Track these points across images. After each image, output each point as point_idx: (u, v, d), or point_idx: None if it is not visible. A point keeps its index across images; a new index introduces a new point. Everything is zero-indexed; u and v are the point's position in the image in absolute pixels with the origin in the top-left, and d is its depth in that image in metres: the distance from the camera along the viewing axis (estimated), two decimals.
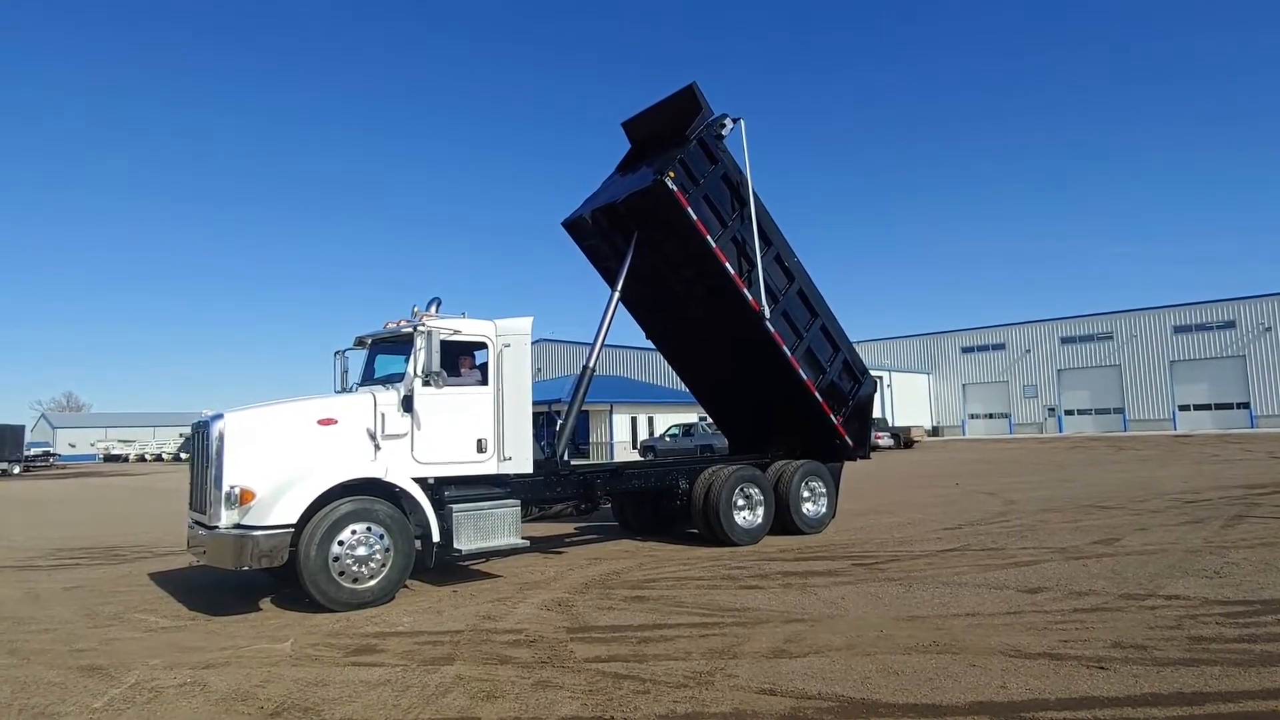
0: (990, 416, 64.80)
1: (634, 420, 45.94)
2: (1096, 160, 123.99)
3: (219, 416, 7.60)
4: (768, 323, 11.31)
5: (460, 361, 8.98)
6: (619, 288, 11.16)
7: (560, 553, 10.57)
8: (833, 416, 12.10)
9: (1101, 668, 4.96)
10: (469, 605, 7.48)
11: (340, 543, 7.39)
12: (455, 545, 8.20)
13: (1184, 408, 56.11)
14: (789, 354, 11.56)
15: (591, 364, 10.86)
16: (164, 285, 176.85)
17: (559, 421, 10.51)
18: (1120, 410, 58.30)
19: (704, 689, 4.82)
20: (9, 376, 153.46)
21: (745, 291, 11.15)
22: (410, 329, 8.43)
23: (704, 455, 11.53)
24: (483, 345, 8.94)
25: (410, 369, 8.33)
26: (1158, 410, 56.69)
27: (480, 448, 8.68)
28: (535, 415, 9.23)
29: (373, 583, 7.51)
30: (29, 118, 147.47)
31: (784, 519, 11.21)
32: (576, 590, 7.98)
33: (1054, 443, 45.51)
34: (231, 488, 7.31)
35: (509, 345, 8.91)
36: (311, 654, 5.95)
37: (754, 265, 11.37)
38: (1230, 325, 54.68)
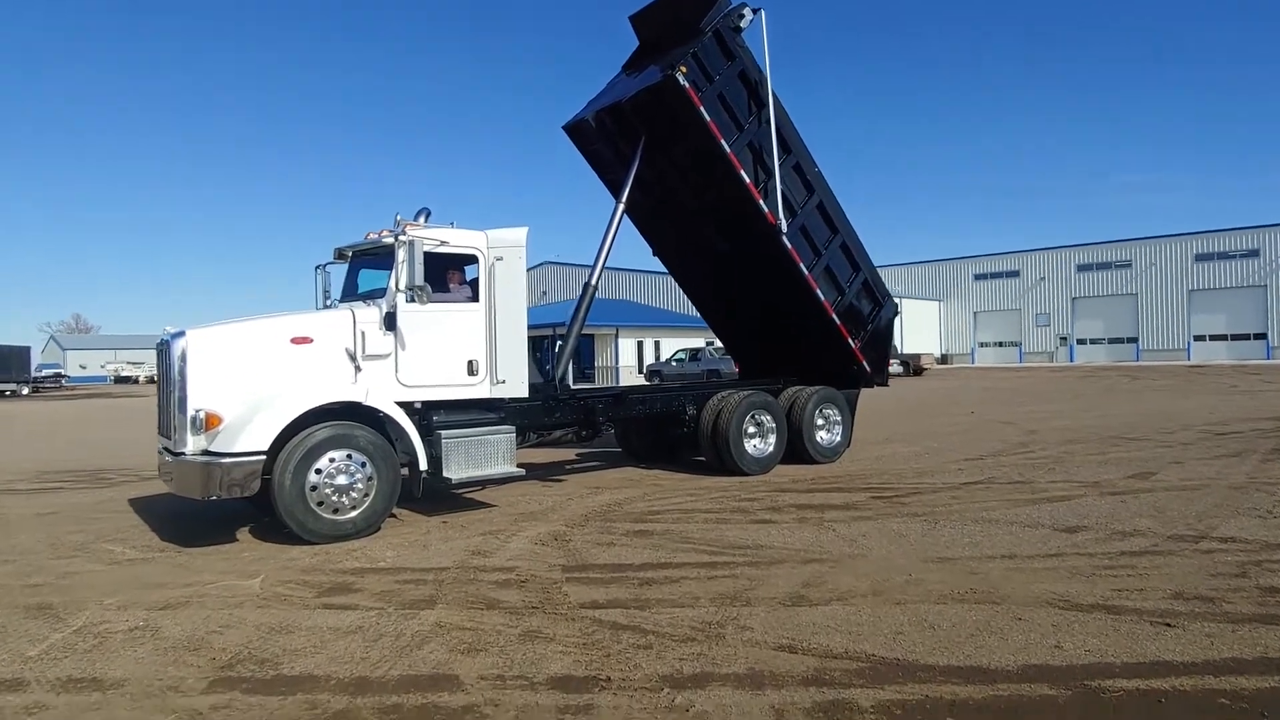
0: (1000, 345, 63.99)
1: (640, 344, 45.32)
2: (1121, 79, 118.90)
3: (180, 334, 6.90)
4: (784, 238, 10.44)
5: (448, 276, 8.22)
6: (624, 198, 10.27)
7: (560, 481, 10.03)
8: (850, 341, 11.36)
9: (1168, 624, 4.35)
10: (458, 539, 6.93)
11: (318, 471, 6.79)
12: (444, 473, 7.61)
13: (1199, 338, 55.14)
14: (806, 273, 10.73)
15: (594, 281, 10.07)
16: (170, 201, 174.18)
17: (559, 343, 9.81)
18: (1134, 340, 57.37)
19: (714, 644, 4.24)
20: (15, 298, 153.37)
21: (761, 203, 10.24)
22: (391, 239, 7.63)
23: (713, 380, 10.86)
24: (473, 258, 8.14)
25: (392, 283, 7.57)
26: (1172, 340, 55.75)
27: (471, 370, 8.00)
28: (538, 339, 8.55)
29: (354, 514, 6.95)
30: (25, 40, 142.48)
31: (797, 447, 10.62)
32: (575, 523, 7.43)
33: (1066, 372, 44.86)
34: (196, 411, 6.67)
35: (501, 258, 8.11)
36: (281, 593, 5.41)
37: (771, 174, 10.42)
38: (1254, 254, 53.14)
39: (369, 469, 7.03)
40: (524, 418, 8.76)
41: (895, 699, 3.54)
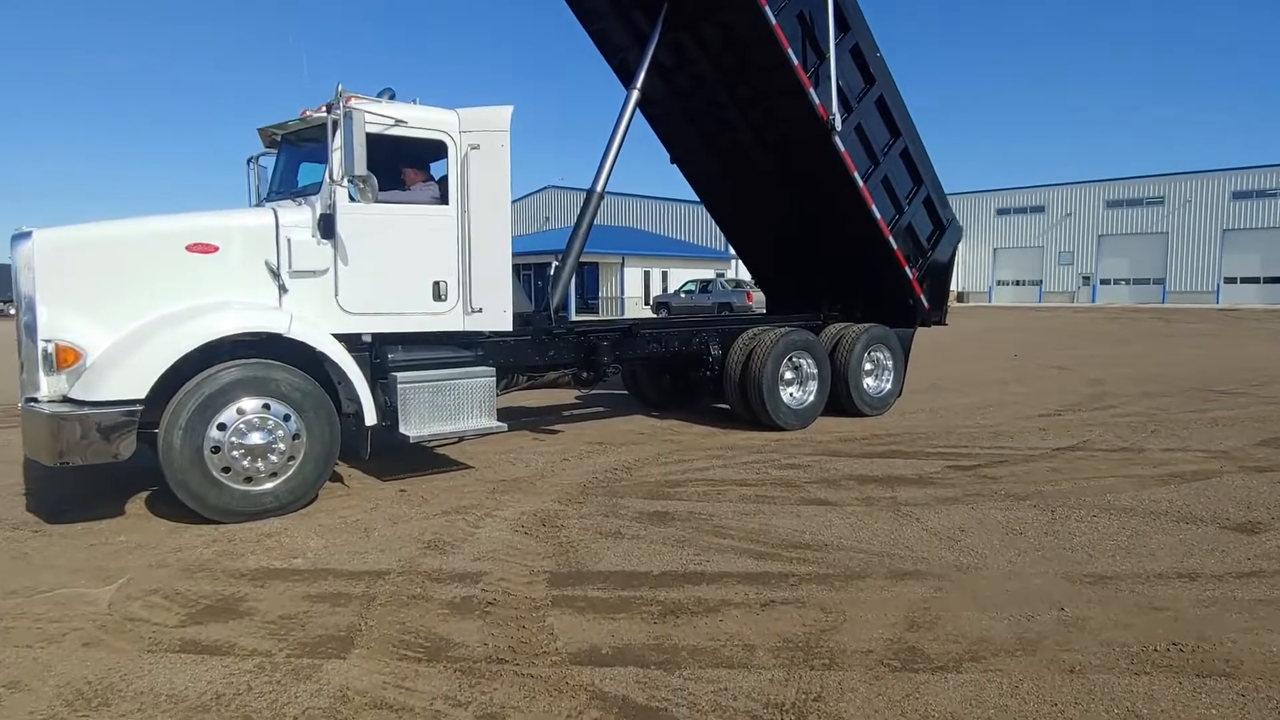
0: (1019, 284, 61.55)
1: (647, 274, 43.13)
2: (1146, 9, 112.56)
3: (26, 235, 5.00)
4: (837, 138, 8.38)
5: (408, 173, 6.27)
6: (638, 84, 8.15)
7: (555, 431, 8.27)
8: (908, 270, 9.41)
9: None
10: (413, 519, 5.18)
11: (221, 426, 4.99)
12: (401, 429, 5.83)
13: (1230, 280, 52.73)
14: (861, 184, 8.71)
15: (599, 188, 8.05)
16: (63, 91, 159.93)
17: (554, 264, 7.90)
18: (1160, 281, 54.97)
19: None
20: None
21: (811, 93, 8.15)
22: (327, 116, 5.63)
23: (742, 314, 9.07)
24: (440, 147, 6.15)
25: (328, 174, 5.62)
26: (1202, 282, 53.34)
27: (438, 294, 6.12)
28: (539, 267, 6.61)
29: (274, 483, 5.19)
30: None
31: (839, 396, 8.81)
32: (571, 496, 5.68)
33: (1090, 312, 42.76)
34: (46, 343, 4.83)
35: (478, 146, 6.12)
36: (134, 615, 3.68)
37: (824, 57, 8.30)
38: None
39: (294, 423, 5.24)
40: (508, 356, 6.92)
41: None
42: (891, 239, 9.13)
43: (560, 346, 7.42)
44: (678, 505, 5.45)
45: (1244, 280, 52.18)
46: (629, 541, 4.69)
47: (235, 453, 5.03)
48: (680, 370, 9.24)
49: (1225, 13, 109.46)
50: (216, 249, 5.36)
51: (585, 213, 7.99)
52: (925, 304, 9.75)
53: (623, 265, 41.95)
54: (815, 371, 8.53)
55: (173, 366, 4.85)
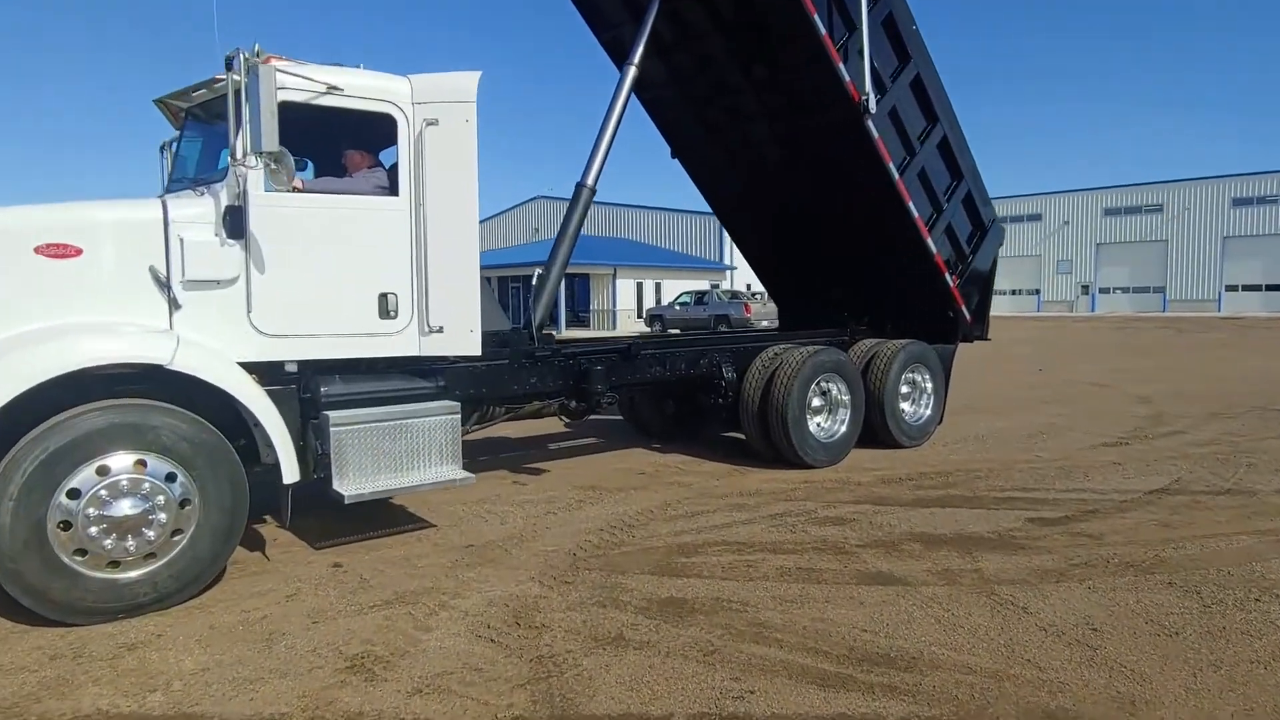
0: (1016, 293, 60.57)
1: (639, 286, 41.81)
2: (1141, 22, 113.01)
3: None
4: (870, 122, 7.13)
5: (350, 157, 4.98)
6: (635, 60, 6.84)
7: (538, 471, 6.92)
8: (947, 276, 8.14)
9: None
10: (341, 615, 3.82)
11: (74, 494, 3.63)
12: (335, 485, 4.48)
13: (1231, 288, 51.90)
14: (896, 176, 7.46)
15: (590, 181, 6.73)
16: None
17: (538, 273, 6.59)
18: (1161, 289, 54.13)
19: None
20: None
21: (841, 68, 6.89)
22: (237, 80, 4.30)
23: (758, 331, 7.80)
24: (389, 123, 4.83)
25: (230, 154, 4.29)
26: (1203, 290, 52.51)
27: (386, 309, 4.79)
28: (523, 279, 5.27)
29: (152, 567, 3.81)
30: None
31: (872, 425, 7.50)
32: (556, 573, 4.34)
33: (1092, 322, 41.80)
34: None
35: (435, 122, 4.81)
36: None
37: (854, 28, 7.06)
38: None
39: (182, 486, 3.88)
40: (478, 386, 5.58)
41: None
42: (930, 241, 7.88)
43: (544, 372, 6.08)
44: (697, 587, 4.11)
45: (1245, 288, 51.39)
46: (635, 654, 3.34)
47: (94, 529, 3.66)
48: (686, 395, 7.92)
49: (1223, 19, 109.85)
50: (79, 252, 4.01)
51: (573, 212, 6.67)
52: (967, 316, 8.47)
53: (615, 276, 40.67)
54: (847, 398, 7.21)
55: (1, 412, 3.50)
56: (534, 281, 6.45)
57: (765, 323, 30.18)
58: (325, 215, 4.63)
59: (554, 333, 6.45)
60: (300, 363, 4.64)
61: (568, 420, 6.73)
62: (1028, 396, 11.73)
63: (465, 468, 4.92)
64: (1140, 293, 55.09)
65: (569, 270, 7.60)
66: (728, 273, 44.37)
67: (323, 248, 4.63)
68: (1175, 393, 11.90)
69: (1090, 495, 5.89)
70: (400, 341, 4.87)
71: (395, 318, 4.83)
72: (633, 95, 7.12)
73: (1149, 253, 54.70)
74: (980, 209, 8.59)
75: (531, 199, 57.72)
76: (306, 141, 4.90)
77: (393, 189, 4.86)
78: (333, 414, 4.52)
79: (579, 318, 41.35)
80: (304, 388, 4.65)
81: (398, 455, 4.66)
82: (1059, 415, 9.87)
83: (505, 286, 36.78)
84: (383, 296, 4.78)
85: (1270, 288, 50.62)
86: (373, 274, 4.77)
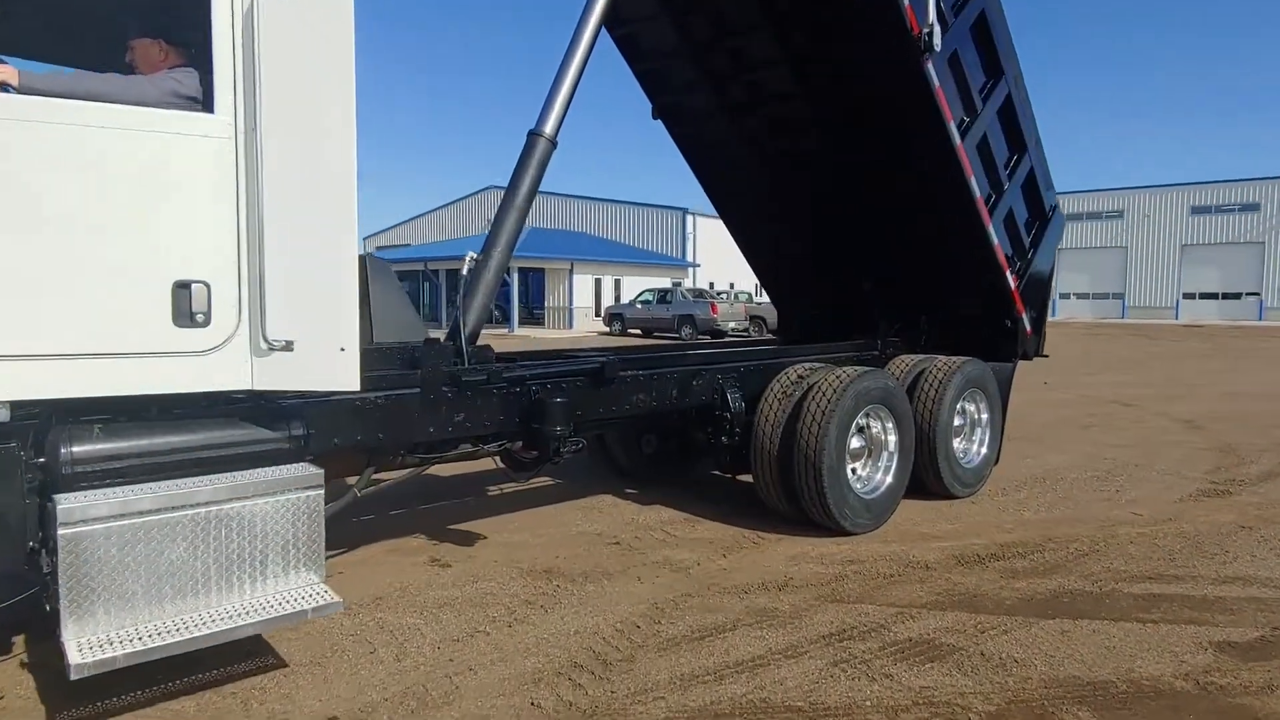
0: None
1: (598, 282, 39.71)
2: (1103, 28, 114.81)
3: None
4: (930, 65, 5.28)
5: (139, 50, 2.93)
6: None
7: (469, 539, 4.91)
8: (1008, 275, 6.36)
9: None
10: None
11: None
12: (64, 636, 2.41)
13: (1189, 295, 52.17)
14: (957, 140, 5.63)
15: (548, 130, 4.70)
16: None
17: (471, 256, 4.53)
18: (1120, 296, 54.20)
19: None
20: None
21: None
22: None
23: (774, 345, 6.04)
24: None
25: None
26: (1161, 297, 52.71)
27: (187, 310, 2.74)
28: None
29: None
30: None
31: (918, 468, 5.64)
32: None
33: (1060, 328, 41.09)
34: None
35: None
36: None
37: None
38: (1253, 208, 49.91)
39: None
40: (366, 431, 3.53)
41: None
42: (990, 227, 6.08)
43: (476, 405, 4.04)
44: None
45: (1203, 295, 51.67)
46: None
47: None
48: (675, 428, 5.97)
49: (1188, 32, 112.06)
50: None
51: (524, 170, 4.65)
52: (1027, 327, 6.71)
53: (571, 271, 38.49)
54: (894, 438, 5.34)
55: None
56: (465, 271, 4.40)
57: (733, 324, 28.38)
58: (69, 138, 2.56)
59: (492, 345, 4.41)
60: (25, 404, 2.57)
61: (513, 472, 4.71)
62: (1057, 418, 10.09)
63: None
64: (1100, 299, 55.11)
65: (520, 264, 5.56)
66: (690, 270, 42.64)
67: (65, 198, 2.56)
68: (1215, 414, 10.41)
69: (1264, 592, 4.12)
70: (214, 366, 2.82)
71: (205, 325, 2.78)
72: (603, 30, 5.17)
73: (1109, 259, 54.75)
74: (1042, 193, 6.84)
75: (484, 189, 55.02)
76: (61, 23, 2.85)
77: (206, 103, 2.81)
78: (66, 499, 2.45)
79: (534, 315, 39.19)
80: (33, 446, 2.58)
81: (194, 574, 2.61)
82: (1111, 446, 8.21)
83: (454, 280, 34.33)
84: (180, 288, 2.73)
85: (1227, 296, 50.98)
86: (161, 249, 2.72)
